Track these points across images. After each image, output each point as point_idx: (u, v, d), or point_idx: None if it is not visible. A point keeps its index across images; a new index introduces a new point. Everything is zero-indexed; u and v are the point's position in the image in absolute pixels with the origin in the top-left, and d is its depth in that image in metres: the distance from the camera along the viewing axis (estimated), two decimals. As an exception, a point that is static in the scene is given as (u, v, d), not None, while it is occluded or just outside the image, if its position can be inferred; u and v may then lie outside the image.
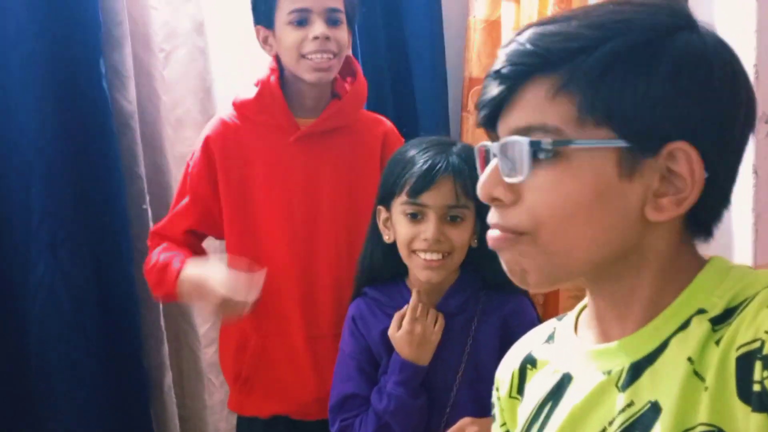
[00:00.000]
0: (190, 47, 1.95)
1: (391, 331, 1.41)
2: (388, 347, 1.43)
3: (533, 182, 0.71)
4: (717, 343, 0.66)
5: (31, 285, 1.78)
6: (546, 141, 0.69)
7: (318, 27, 1.58)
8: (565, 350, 0.82)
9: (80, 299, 1.81)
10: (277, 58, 1.67)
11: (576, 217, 0.70)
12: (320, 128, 1.66)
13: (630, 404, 0.70)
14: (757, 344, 0.62)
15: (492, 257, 1.37)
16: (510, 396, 0.89)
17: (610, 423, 0.72)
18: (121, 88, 1.85)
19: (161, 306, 1.92)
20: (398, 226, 1.40)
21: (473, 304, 1.44)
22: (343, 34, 1.63)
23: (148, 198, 1.90)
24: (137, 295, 1.88)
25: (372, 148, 1.72)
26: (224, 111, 1.72)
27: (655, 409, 0.68)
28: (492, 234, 0.75)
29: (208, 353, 1.98)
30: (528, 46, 0.71)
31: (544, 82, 0.70)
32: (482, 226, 1.39)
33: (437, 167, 1.35)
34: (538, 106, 0.70)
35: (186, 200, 1.68)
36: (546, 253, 0.72)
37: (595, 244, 0.72)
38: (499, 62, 0.73)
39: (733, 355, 0.64)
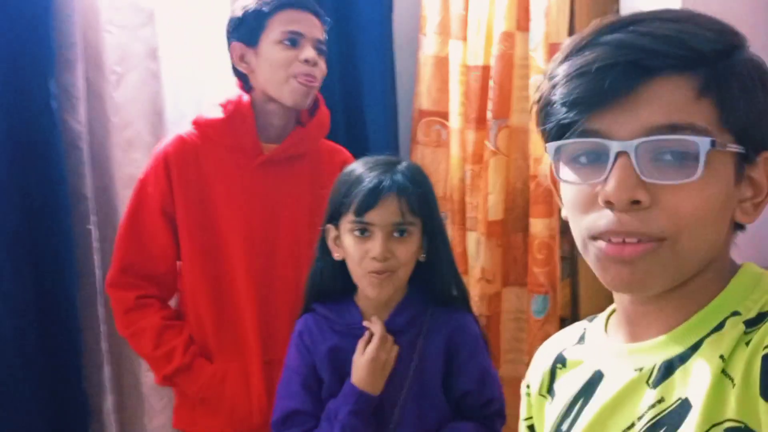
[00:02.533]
0: (142, 71, 1.96)
1: (356, 356, 1.41)
2: (333, 365, 1.44)
3: (680, 184, 0.68)
4: (747, 344, 0.68)
5: (-30, 304, 1.73)
6: (720, 142, 0.68)
7: (309, 51, 1.63)
8: (597, 350, 0.84)
9: (21, 320, 1.77)
10: (243, 82, 1.69)
11: (712, 221, 0.71)
12: (284, 154, 1.69)
13: (660, 400, 0.72)
14: None
15: (438, 272, 1.45)
16: (540, 394, 0.91)
17: (639, 418, 0.73)
18: (71, 109, 1.85)
19: (103, 328, 1.90)
20: (347, 244, 1.42)
21: (420, 321, 1.45)
22: (324, 66, 1.69)
23: (93, 218, 1.89)
24: (79, 317, 1.86)
25: (331, 177, 1.69)
26: (182, 129, 1.71)
27: (685, 406, 0.70)
28: (624, 247, 0.70)
29: (150, 377, 1.94)
30: (662, 42, 0.68)
31: (683, 80, 0.69)
32: (429, 241, 1.43)
33: (381, 185, 1.38)
34: (682, 104, 0.68)
35: (154, 225, 1.66)
36: (682, 258, 0.71)
37: (713, 248, 0.73)
38: (621, 52, 0.69)
39: (760, 354, 0.66)
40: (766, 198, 0.74)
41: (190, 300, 1.71)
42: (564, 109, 0.71)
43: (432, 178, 2.18)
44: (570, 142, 0.72)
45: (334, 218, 1.45)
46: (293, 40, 1.63)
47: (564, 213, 0.80)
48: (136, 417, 1.97)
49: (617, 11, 1.60)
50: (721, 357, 0.69)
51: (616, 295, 0.81)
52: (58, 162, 1.81)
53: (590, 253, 0.75)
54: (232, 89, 1.72)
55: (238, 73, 1.72)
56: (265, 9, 1.64)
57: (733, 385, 0.67)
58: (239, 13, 1.67)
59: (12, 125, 1.77)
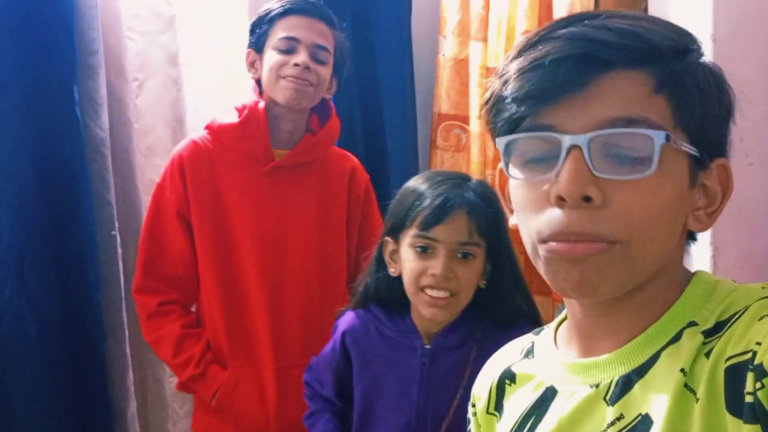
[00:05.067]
0: (163, 77, 1.98)
1: None
2: (368, 372, 1.41)
3: (633, 182, 0.66)
4: (707, 355, 0.66)
5: (-5, 309, 1.75)
6: (674, 138, 0.66)
7: (301, 56, 1.62)
8: (548, 364, 0.81)
9: (46, 325, 1.79)
10: (258, 87, 1.70)
11: (665, 223, 0.69)
12: (294, 160, 1.69)
13: (620, 417, 0.69)
14: (748, 355, 0.62)
15: (504, 298, 1.37)
16: (487, 412, 0.88)
17: None
18: (94, 116, 1.86)
19: (127, 334, 1.91)
20: (406, 260, 1.35)
21: (472, 338, 1.37)
22: (324, 71, 1.67)
23: (117, 224, 1.90)
24: (103, 322, 1.87)
25: (340, 183, 1.76)
26: (196, 133, 1.73)
27: (646, 423, 0.67)
28: (576, 245, 0.67)
29: (173, 382, 1.96)
30: (617, 35, 0.66)
31: (637, 75, 0.67)
32: (493, 267, 1.36)
33: (452, 201, 1.30)
34: (636, 98, 0.66)
35: (172, 229, 1.68)
36: (634, 261, 0.68)
37: (665, 252, 0.70)
38: (575, 45, 0.66)
39: (722, 367, 0.63)
40: (719, 207, 0.73)
41: (206, 305, 1.72)
42: (515, 104, 0.69)
43: (451, 184, 2.20)
44: (521, 137, 0.70)
45: (394, 232, 1.38)
46: (289, 47, 1.63)
47: (512, 221, 0.77)
48: (159, 422, 1.99)
49: (644, 9, 1.59)
50: (682, 371, 0.66)
51: (568, 306, 0.78)
52: (83, 168, 1.82)
53: (540, 257, 0.71)
54: (250, 95, 1.74)
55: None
56: (269, 16, 1.66)
57: (697, 399, 0.64)
58: (253, 19, 1.70)
59: (37, 132, 1.78)
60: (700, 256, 1.41)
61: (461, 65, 2.18)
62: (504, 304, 1.38)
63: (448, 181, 1.35)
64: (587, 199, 0.66)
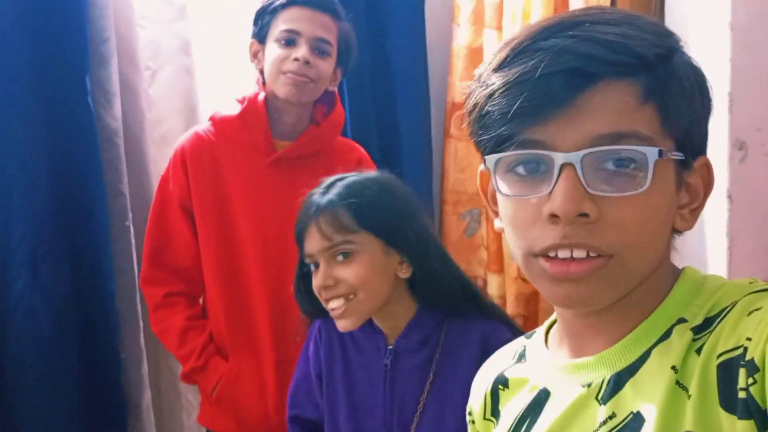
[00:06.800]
0: (176, 66, 1.97)
1: None
2: (341, 378, 1.39)
3: (626, 196, 0.66)
4: (698, 351, 0.66)
5: (9, 301, 1.75)
6: (665, 151, 0.67)
7: (302, 50, 1.61)
8: (540, 367, 0.81)
9: (59, 316, 1.79)
10: (262, 77, 1.70)
11: (657, 233, 0.69)
12: (296, 152, 1.69)
13: (611, 416, 0.70)
14: (740, 351, 0.62)
15: (431, 284, 1.31)
16: (484, 418, 0.88)
17: None
18: (107, 105, 1.85)
19: (141, 324, 1.91)
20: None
21: (435, 339, 1.33)
22: (325, 65, 1.66)
23: (131, 215, 1.90)
24: (117, 313, 1.87)
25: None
26: (199, 125, 1.73)
27: (637, 420, 0.67)
28: (570, 264, 0.67)
29: (188, 373, 1.97)
30: (606, 49, 0.65)
31: (625, 86, 0.66)
32: (407, 254, 1.31)
33: (303, 218, 1.33)
34: (625, 112, 0.66)
35: (176, 220, 1.69)
36: (629, 273, 0.69)
37: (657, 258, 0.71)
38: (562, 59, 0.65)
39: (714, 363, 0.64)
40: (702, 203, 0.73)
41: (209, 296, 1.73)
42: (503, 121, 0.67)
43: (465, 173, 2.18)
44: (511, 155, 0.69)
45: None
46: (290, 40, 1.62)
47: (498, 224, 0.77)
48: (173, 413, 1.99)
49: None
50: (673, 368, 0.67)
51: (557, 309, 0.79)
52: (95, 158, 1.81)
53: (533, 271, 0.71)
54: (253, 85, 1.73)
55: None
56: (272, 6, 1.65)
57: (689, 396, 0.65)
58: (257, 9, 1.69)
59: (49, 123, 1.78)
60: (715, 246, 1.41)
61: (475, 54, 2.15)
62: (434, 284, 1.33)
63: (313, 194, 1.35)
64: (583, 215, 0.66)
